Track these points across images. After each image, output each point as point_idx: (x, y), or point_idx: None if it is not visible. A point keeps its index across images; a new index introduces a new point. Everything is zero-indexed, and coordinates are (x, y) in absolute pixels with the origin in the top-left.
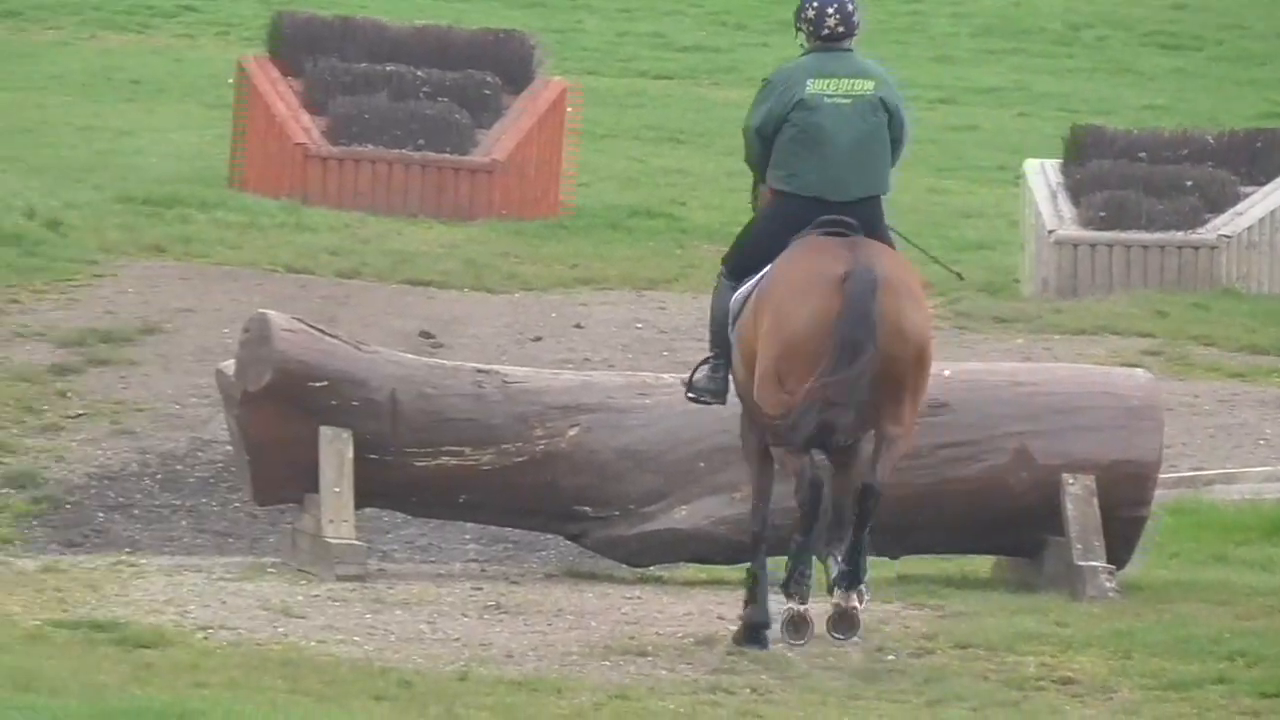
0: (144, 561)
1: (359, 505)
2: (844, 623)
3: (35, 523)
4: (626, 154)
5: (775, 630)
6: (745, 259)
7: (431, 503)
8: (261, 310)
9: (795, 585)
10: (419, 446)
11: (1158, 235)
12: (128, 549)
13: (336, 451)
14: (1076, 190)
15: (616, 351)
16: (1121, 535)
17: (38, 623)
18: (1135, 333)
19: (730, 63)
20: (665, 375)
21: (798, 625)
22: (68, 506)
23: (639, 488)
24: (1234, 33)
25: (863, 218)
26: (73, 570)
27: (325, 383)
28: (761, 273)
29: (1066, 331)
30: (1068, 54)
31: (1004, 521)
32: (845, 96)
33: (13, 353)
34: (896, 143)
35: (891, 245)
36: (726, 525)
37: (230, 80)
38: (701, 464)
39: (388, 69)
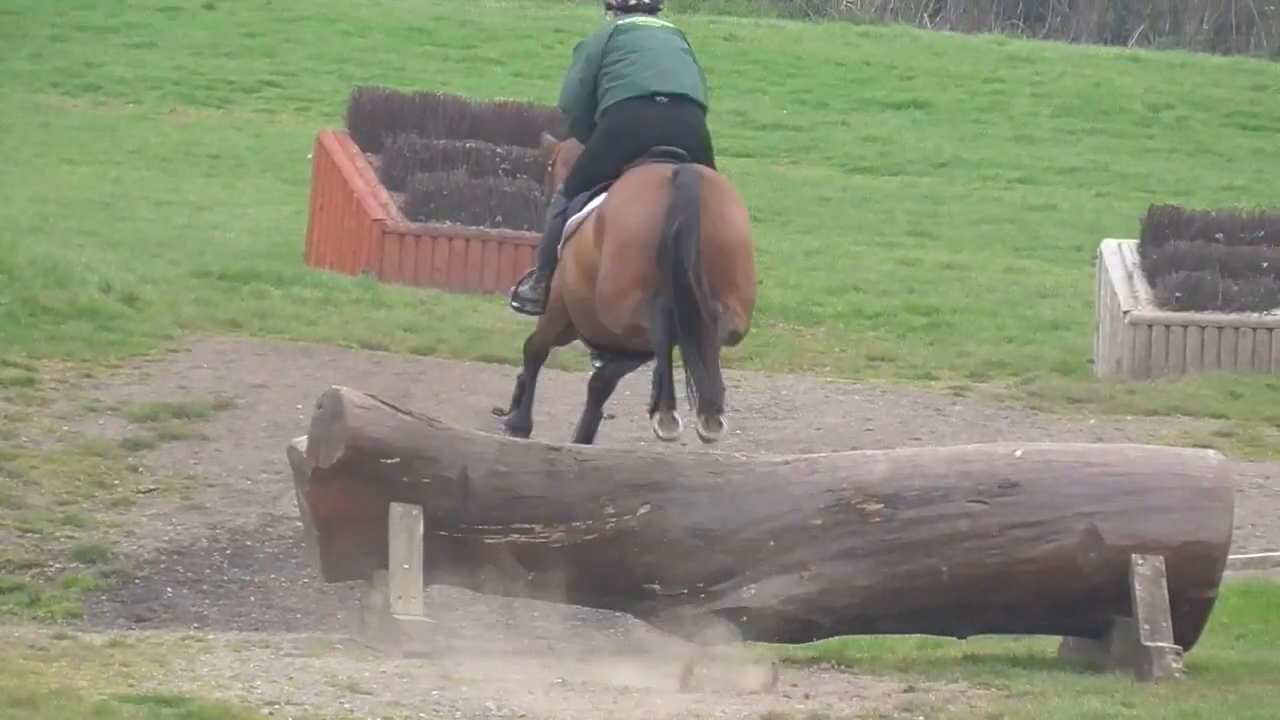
0: (211, 637)
1: (428, 582)
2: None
3: (103, 597)
4: None
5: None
6: (584, 174)
7: (501, 580)
8: (335, 386)
9: (663, 400)
10: (489, 524)
11: (1233, 316)
12: (195, 624)
13: (407, 528)
14: (1152, 271)
15: (689, 430)
16: (1190, 616)
17: (103, 697)
18: (1208, 414)
19: (810, 141)
20: (737, 454)
21: (666, 423)
22: (136, 581)
23: (709, 566)
24: None
25: (689, 118)
26: (140, 645)
27: (397, 459)
28: (598, 195)
29: (1139, 412)
30: (1147, 134)
31: (1072, 602)
32: (656, 26)
33: (85, 427)
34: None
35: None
36: (795, 604)
37: (309, 156)
38: (772, 543)
39: (467, 145)
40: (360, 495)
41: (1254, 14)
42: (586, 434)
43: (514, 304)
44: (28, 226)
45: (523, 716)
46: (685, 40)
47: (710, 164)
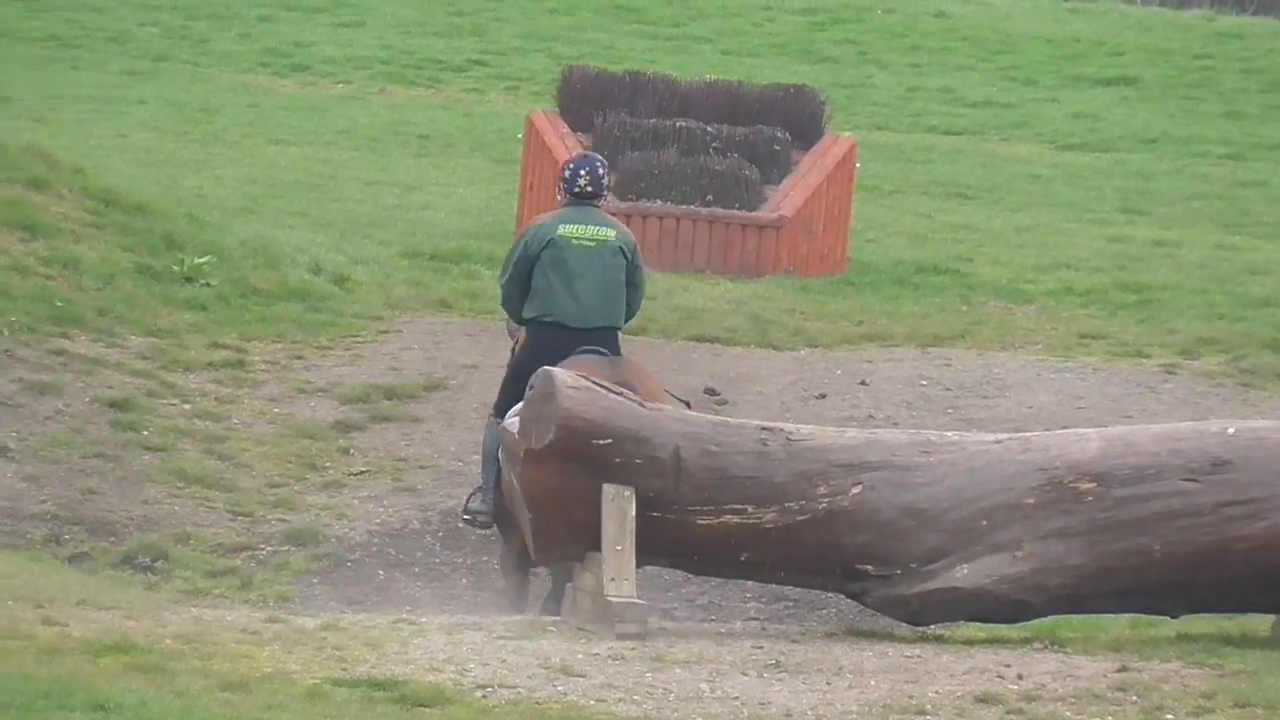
0: (424, 620)
1: (640, 563)
2: None
3: (315, 580)
4: (914, 210)
5: None
6: (509, 395)
7: (713, 561)
8: (546, 367)
9: None
10: (702, 504)
11: None
12: (408, 607)
13: (619, 509)
14: None
15: (901, 409)
16: None
17: (316, 681)
18: None
19: (1020, 118)
20: (949, 433)
21: None
22: (348, 564)
23: (921, 546)
24: None
25: (604, 344)
26: (352, 628)
27: (609, 440)
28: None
29: None
30: None
31: None
32: (590, 241)
33: (296, 409)
34: (633, 286)
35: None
36: (1008, 584)
37: (519, 135)
38: (984, 522)
39: (677, 124)
40: (572, 476)
41: None
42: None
43: (465, 518)
44: (237, 207)
45: (736, 699)
46: (619, 254)
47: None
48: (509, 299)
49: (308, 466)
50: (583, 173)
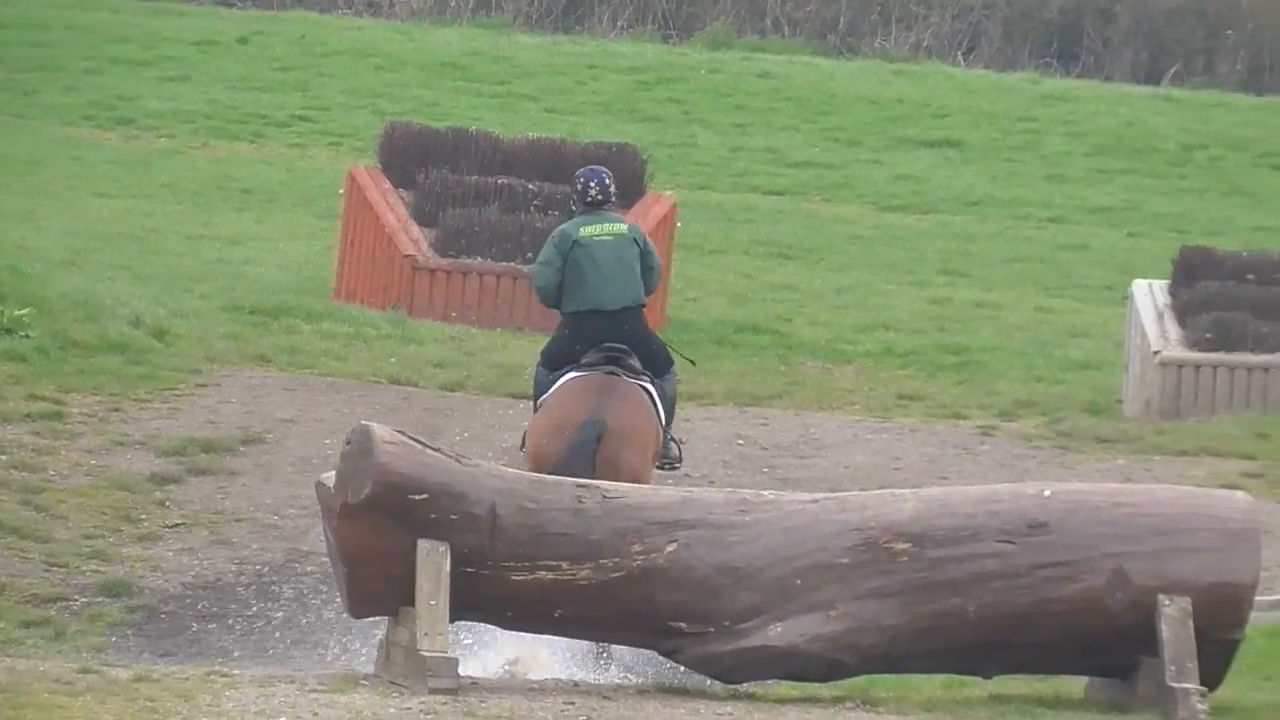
0: (237, 672)
1: (454, 619)
2: None
3: (129, 632)
4: (735, 269)
5: None
6: (551, 358)
7: (528, 617)
8: (364, 422)
9: None
10: (517, 561)
11: (1263, 357)
12: (221, 659)
13: (434, 564)
14: (1183, 311)
15: (717, 467)
16: (1216, 657)
17: None
18: (1237, 455)
19: (843, 179)
20: (765, 492)
21: None
22: (162, 616)
23: (736, 604)
24: None
25: (629, 323)
26: (165, 680)
27: (425, 495)
28: (549, 388)
29: (1168, 453)
30: (1180, 174)
31: (1099, 642)
32: (608, 235)
33: (113, 461)
34: (649, 269)
35: (663, 353)
36: (822, 643)
37: (340, 190)
38: (799, 581)
39: (499, 181)
40: (388, 531)
41: None
42: None
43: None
44: (59, 260)
45: None
46: (633, 244)
47: (648, 350)
48: (547, 295)
49: (123, 518)
50: (592, 184)
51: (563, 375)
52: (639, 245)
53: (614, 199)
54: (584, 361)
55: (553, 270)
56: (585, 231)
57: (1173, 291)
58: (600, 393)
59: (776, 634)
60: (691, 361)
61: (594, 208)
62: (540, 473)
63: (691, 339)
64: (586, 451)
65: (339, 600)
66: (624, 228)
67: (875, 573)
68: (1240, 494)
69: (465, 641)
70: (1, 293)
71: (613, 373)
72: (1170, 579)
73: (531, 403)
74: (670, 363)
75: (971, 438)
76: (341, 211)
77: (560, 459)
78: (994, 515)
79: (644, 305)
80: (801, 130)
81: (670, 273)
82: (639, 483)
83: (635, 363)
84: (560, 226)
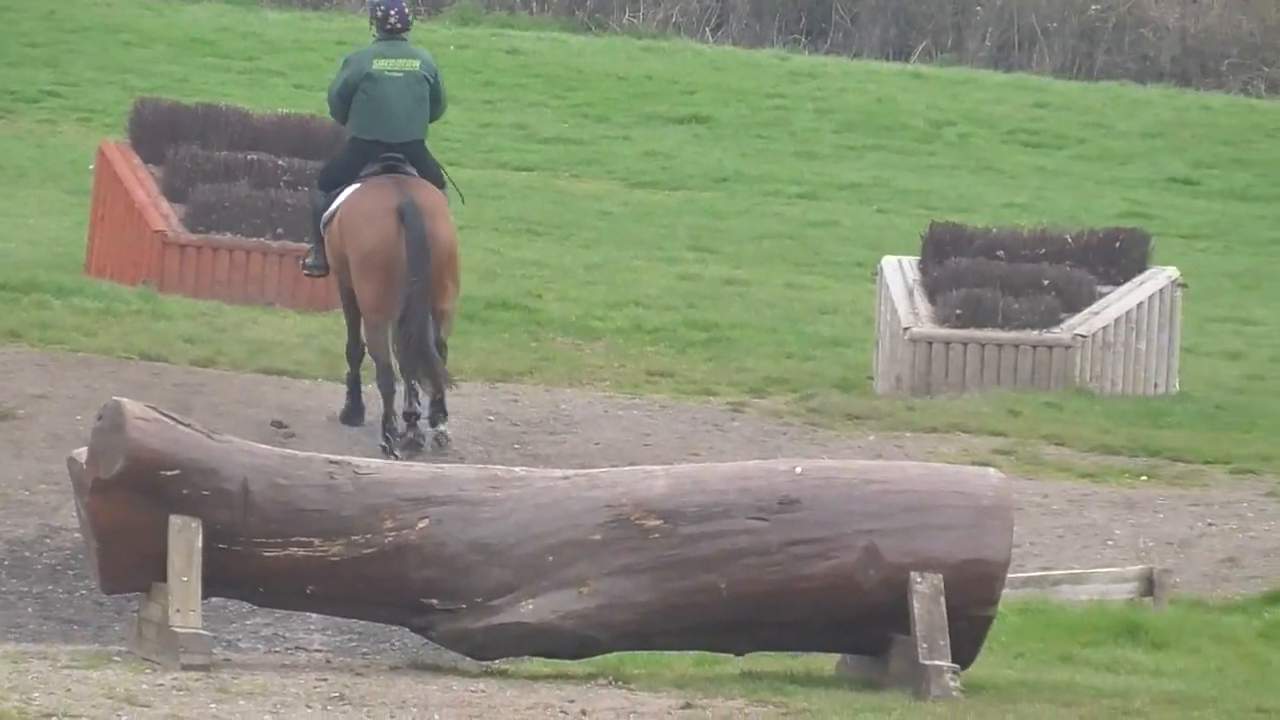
0: None
1: (206, 595)
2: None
3: None
4: (484, 245)
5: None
6: (331, 177)
7: (280, 593)
8: (115, 398)
9: (389, 438)
10: (269, 537)
11: (1012, 334)
12: None
13: (185, 540)
14: (933, 288)
15: (468, 443)
16: (968, 634)
17: None
18: (987, 431)
19: (592, 155)
20: (517, 468)
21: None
22: None
23: (487, 581)
24: (1096, 131)
25: (411, 154)
26: None
27: (177, 471)
28: (341, 196)
29: (919, 429)
30: (929, 151)
31: (851, 619)
32: (399, 72)
33: None
34: (435, 102)
35: (437, 173)
36: (574, 620)
37: (91, 166)
38: (551, 558)
39: (249, 157)
40: (140, 507)
41: (1036, 31)
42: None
43: (305, 272)
44: None
45: None
46: (423, 81)
47: (425, 168)
48: (337, 112)
49: None
50: (392, 12)
51: (342, 191)
52: (430, 82)
53: (410, 26)
54: (363, 174)
55: (340, 101)
56: (379, 65)
57: (923, 268)
58: (398, 184)
59: (529, 611)
60: (462, 198)
61: (392, 34)
62: (361, 264)
63: None
64: (417, 235)
65: (92, 576)
66: (416, 64)
67: (627, 549)
68: (992, 471)
69: None
70: None
71: (395, 170)
72: (922, 556)
73: (313, 226)
74: (444, 184)
75: (722, 414)
76: (92, 188)
77: (388, 235)
78: (745, 492)
79: (423, 140)
80: (550, 107)
81: None
82: (455, 250)
83: (412, 171)
84: (355, 52)
